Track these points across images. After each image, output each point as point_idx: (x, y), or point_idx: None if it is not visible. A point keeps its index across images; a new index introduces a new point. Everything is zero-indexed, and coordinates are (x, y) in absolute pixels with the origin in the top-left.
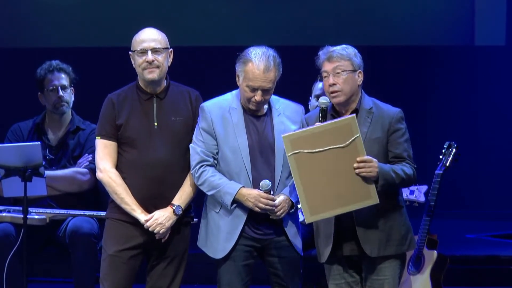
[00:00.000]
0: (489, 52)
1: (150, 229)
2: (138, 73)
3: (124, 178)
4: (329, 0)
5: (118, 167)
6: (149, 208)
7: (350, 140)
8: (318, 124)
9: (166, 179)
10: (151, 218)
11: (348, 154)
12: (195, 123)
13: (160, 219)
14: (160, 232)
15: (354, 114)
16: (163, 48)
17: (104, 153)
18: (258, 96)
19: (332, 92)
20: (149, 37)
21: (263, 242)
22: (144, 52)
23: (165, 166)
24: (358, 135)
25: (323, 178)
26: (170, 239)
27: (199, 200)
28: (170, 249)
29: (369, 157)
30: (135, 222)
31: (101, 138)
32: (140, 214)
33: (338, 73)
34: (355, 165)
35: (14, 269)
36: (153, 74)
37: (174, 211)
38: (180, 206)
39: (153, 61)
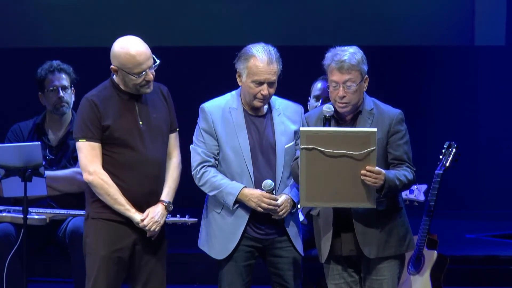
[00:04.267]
0: (489, 52)
1: (147, 227)
2: (133, 87)
3: (116, 179)
4: (329, 0)
5: (107, 168)
6: (142, 206)
7: (365, 151)
8: (338, 128)
9: (158, 176)
10: (147, 216)
11: (359, 162)
12: (172, 118)
13: (156, 217)
14: (156, 230)
15: (376, 129)
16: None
17: (92, 155)
18: (264, 90)
19: (340, 103)
20: (144, 57)
21: (264, 242)
22: (144, 72)
23: (156, 163)
24: (374, 148)
25: (327, 173)
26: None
27: (199, 200)
28: (154, 247)
29: (378, 169)
30: (124, 221)
31: (86, 141)
32: (134, 214)
33: (349, 86)
34: (363, 172)
35: (14, 269)
36: (150, 88)
37: (166, 207)
38: (170, 202)
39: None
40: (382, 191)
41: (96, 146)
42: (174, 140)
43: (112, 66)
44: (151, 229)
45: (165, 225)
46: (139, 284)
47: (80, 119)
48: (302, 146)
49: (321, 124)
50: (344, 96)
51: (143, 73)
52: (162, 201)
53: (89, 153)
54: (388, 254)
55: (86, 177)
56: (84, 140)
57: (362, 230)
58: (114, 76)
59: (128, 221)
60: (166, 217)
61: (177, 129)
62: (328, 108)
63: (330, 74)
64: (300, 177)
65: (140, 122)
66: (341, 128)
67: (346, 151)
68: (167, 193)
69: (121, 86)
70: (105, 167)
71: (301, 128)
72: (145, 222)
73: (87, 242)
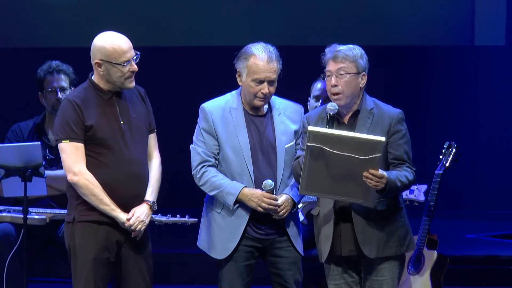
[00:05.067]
0: (489, 52)
1: (132, 227)
2: (115, 81)
3: (99, 179)
4: (330, 0)
5: (90, 169)
6: (127, 206)
7: (370, 157)
8: (347, 132)
9: (141, 176)
10: (133, 216)
11: (363, 164)
12: (150, 118)
13: (141, 217)
14: (142, 229)
15: (384, 138)
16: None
17: (77, 156)
18: (265, 89)
19: (333, 94)
20: (128, 46)
21: (264, 242)
22: (128, 62)
23: (139, 162)
24: (379, 155)
25: (330, 168)
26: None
27: (199, 200)
28: (139, 247)
29: (381, 173)
30: (110, 222)
31: (70, 141)
32: (119, 213)
33: (341, 74)
34: (365, 174)
35: (14, 269)
36: (133, 82)
37: (151, 207)
38: (155, 201)
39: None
40: (382, 192)
41: (80, 146)
42: (153, 140)
43: (96, 61)
44: (137, 229)
45: (148, 225)
46: (126, 284)
47: (63, 120)
48: (308, 144)
49: (321, 123)
50: (336, 85)
51: (128, 62)
52: (147, 201)
53: (73, 154)
54: (388, 254)
55: (71, 177)
56: (68, 141)
57: (362, 230)
58: (93, 77)
59: (113, 222)
60: (166, 217)
61: (155, 130)
62: (332, 106)
63: (326, 66)
64: (302, 168)
65: (122, 122)
66: (349, 132)
67: (351, 154)
68: (151, 193)
69: (102, 85)
70: (88, 167)
71: (309, 128)
72: (131, 222)
73: (75, 246)
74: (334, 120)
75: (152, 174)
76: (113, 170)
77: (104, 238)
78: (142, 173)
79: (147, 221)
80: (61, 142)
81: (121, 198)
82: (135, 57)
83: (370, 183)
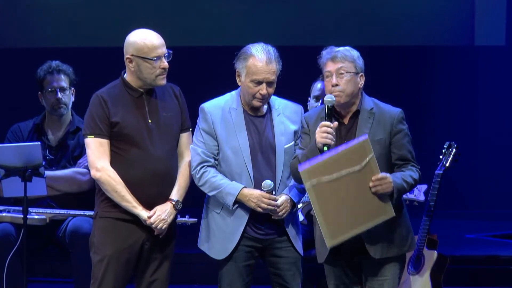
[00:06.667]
0: (489, 52)
1: (153, 225)
2: (146, 78)
3: (123, 176)
4: (329, 0)
5: (115, 165)
6: (152, 204)
7: (365, 161)
8: (331, 151)
9: (167, 175)
10: (154, 214)
11: (363, 175)
12: (183, 118)
13: (162, 215)
14: (163, 228)
15: (367, 135)
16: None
17: (100, 152)
18: (263, 90)
19: (334, 92)
20: (160, 42)
21: (264, 242)
22: (159, 58)
23: (164, 161)
24: (372, 155)
25: (341, 202)
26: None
27: (199, 200)
28: (162, 246)
29: (383, 174)
30: (133, 220)
31: (95, 137)
32: (141, 211)
33: (341, 73)
34: (371, 184)
35: (14, 269)
36: (165, 80)
37: (174, 206)
38: (179, 200)
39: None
40: (393, 197)
41: (104, 142)
42: (186, 139)
43: (127, 56)
44: (158, 227)
45: (175, 225)
46: (144, 282)
47: (89, 115)
48: (307, 187)
49: (321, 122)
50: (337, 85)
51: (159, 58)
52: (171, 199)
53: (97, 150)
54: (392, 254)
55: (94, 173)
56: (93, 136)
57: (367, 231)
58: (125, 75)
59: (137, 220)
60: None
61: (190, 129)
62: (330, 98)
63: (324, 67)
64: (318, 218)
65: (149, 120)
66: (334, 151)
67: (348, 169)
68: (177, 191)
69: (133, 83)
70: (113, 164)
71: (300, 171)
72: (152, 220)
73: (94, 242)
74: (333, 112)
75: (180, 173)
76: (138, 168)
77: (125, 235)
78: (168, 172)
79: (169, 220)
80: (87, 137)
81: (145, 196)
82: (167, 54)
83: (379, 190)
